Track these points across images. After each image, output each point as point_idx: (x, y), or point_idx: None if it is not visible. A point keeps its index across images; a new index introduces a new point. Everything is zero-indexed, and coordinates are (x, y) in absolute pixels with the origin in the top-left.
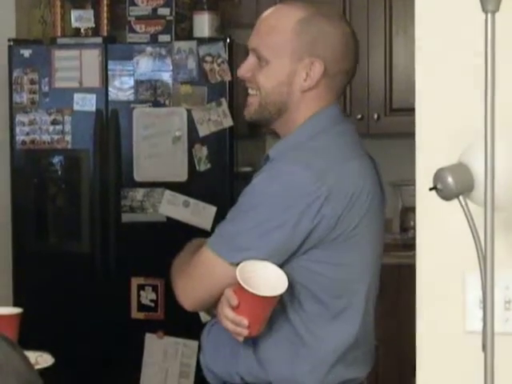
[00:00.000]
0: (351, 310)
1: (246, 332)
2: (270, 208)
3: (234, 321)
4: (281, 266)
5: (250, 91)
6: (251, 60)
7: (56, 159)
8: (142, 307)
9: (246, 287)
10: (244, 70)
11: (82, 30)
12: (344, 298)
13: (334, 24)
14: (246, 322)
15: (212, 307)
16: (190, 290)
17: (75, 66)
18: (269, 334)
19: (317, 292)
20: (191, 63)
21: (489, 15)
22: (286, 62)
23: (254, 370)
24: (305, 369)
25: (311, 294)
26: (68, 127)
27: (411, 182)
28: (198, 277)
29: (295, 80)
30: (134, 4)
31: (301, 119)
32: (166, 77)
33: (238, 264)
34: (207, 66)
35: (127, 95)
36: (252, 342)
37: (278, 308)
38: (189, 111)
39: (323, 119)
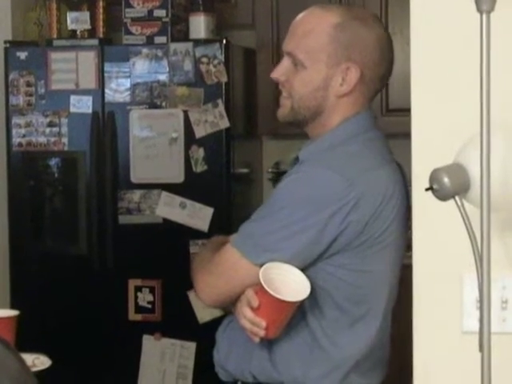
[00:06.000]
0: (370, 317)
1: (262, 333)
2: (297, 211)
3: (253, 321)
4: (304, 269)
5: (283, 93)
6: (286, 63)
7: (52, 161)
8: (139, 309)
9: (269, 290)
10: (278, 73)
11: (78, 32)
12: (364, 305)
13: (369, 28)
14: (264, 323)
15: (229, 304)
16: (211, 287)
17: (71, 68)
18: (285, 336)
19: (338, 298)
20: (187, 65)
21: (484, 15)
22: (322, 66)
23: (267, 370)
24: (319, 373)
25: (332, 300)
26: (64, 129)
27: (408, 183)
28: (221, 274)
29: (331, 85)
30: (130, 6)
31: (333, 123)
32: (163, 78)
33: (261, 265)
34: (203, 68)
35: (123, 97)
36: (267, 342)
37: (297, 311)
38: (185, 112)
39: (355, 125)
